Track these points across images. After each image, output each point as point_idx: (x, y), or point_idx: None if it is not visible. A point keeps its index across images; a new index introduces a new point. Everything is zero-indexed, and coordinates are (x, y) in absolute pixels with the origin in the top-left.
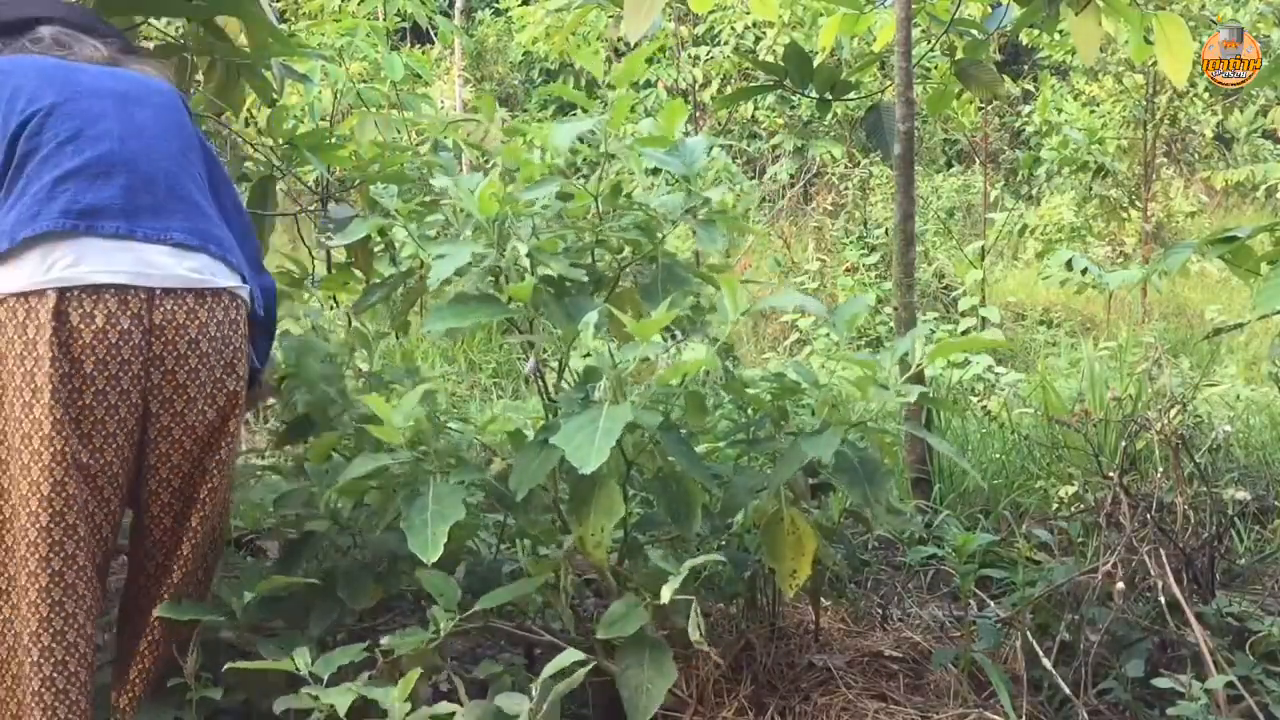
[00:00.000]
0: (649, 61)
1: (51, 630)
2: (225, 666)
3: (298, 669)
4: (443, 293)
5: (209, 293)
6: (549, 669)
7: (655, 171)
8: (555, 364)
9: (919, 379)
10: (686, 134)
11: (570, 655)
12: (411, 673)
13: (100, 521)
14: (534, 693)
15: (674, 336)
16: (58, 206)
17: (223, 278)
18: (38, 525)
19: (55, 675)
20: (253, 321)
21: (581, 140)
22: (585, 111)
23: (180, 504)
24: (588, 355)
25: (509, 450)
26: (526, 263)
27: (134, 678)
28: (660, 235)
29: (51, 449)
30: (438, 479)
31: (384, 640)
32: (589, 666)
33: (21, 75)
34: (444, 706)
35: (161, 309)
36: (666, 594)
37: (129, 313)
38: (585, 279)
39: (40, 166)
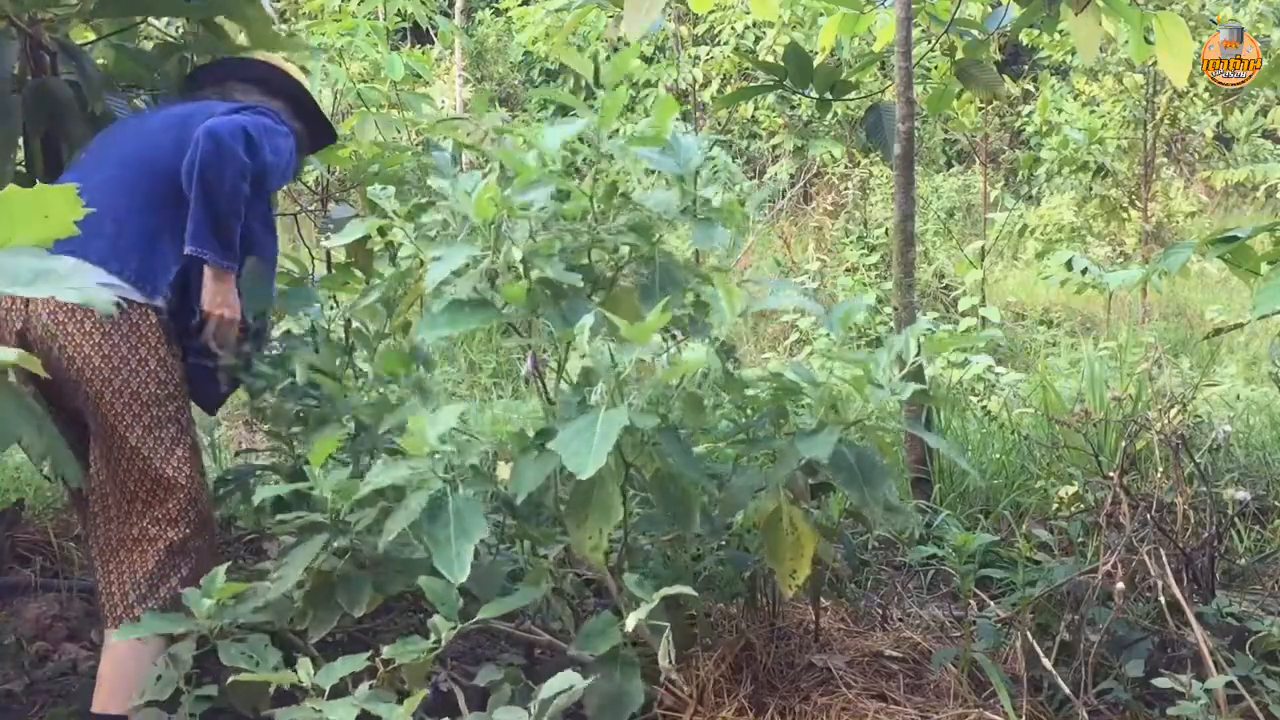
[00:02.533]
0: (648, 61)
1: None
2: (229, 681)
3: (299, 681)
4: (441, 293)
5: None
6: (547, 689)
7: (655, 171)
8: (554, 364)
9: (916, 377)
10: (686, 134)
11: (569, 678)
12: (417, 694)
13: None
14: (533, 709)
15: (674, 337)
16: None
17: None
18: None
19: None
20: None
21: (582, 140)
22: (570, 111)
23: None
24: (585, 356)
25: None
26: (520, 267)
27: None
28: (657, 235)
29: None
30: (457, 490)
31: (384, 651)
32: (586, 682)
33: None
34: None
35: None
36: (632, 622)
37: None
38: (580, 282)
39: None
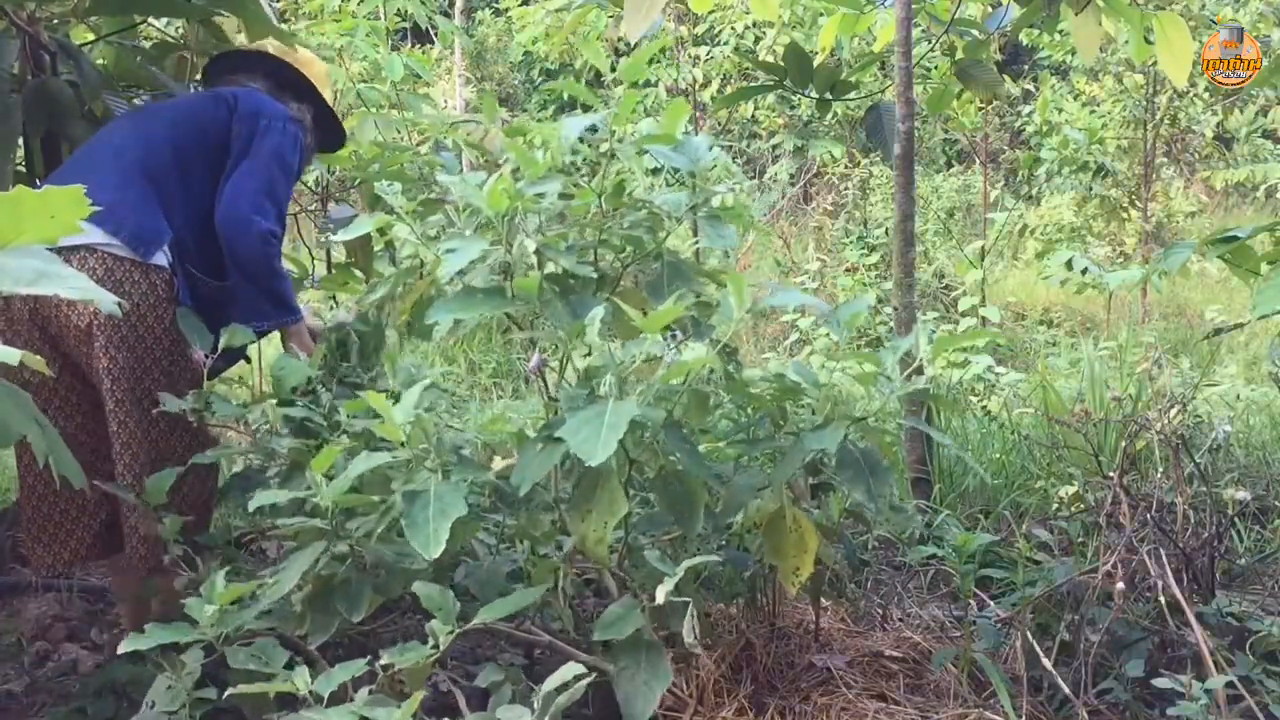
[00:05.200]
0: (649, 61)
1: None
2: (226, 693)
3: (296, 689)
4: (442, 292)
5: (65, 249)
6: (550, 682)
7: (655, 171)
8: (557, 363)
9: (919, 375)
10: (686, 134)
11: (572, 669)
12: (414, 698)
13: None
14: (535, 704)
15: (674, 336)
16: None
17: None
18: None
19: None
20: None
21: (581, 140)
22: (587, 108)
23: None
24: (589, 355)
25: (510, 449)
26: (534, 258)
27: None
28: (664, 233)
29: None
30: (439, 477)
31: (383, 657)
32: (590, 678)
33: None
34: None
35: None
36: (662, 594)
37: None
38: (593, 274)
39: None
